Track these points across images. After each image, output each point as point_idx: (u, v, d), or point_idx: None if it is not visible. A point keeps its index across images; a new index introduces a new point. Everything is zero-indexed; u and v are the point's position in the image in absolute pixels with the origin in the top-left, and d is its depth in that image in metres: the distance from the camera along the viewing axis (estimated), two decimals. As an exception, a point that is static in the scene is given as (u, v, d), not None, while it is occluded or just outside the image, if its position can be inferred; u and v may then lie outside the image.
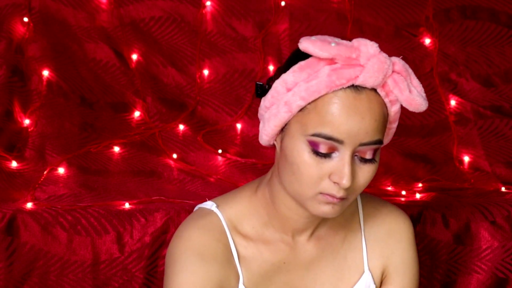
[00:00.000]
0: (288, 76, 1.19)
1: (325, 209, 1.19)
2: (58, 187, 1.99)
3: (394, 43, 2.38)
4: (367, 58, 1.16)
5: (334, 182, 1.16)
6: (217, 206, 1.32)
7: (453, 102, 2.32)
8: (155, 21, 2.35)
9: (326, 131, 1.15)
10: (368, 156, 1.18)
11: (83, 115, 2.21)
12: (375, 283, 1.32)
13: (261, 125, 1.26)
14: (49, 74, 2.24)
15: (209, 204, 1.33)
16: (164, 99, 2.28)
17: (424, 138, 2.28)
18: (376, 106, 1.17)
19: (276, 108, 1.19)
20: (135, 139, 2.18)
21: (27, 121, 2.17)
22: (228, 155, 2.18)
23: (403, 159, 2.21)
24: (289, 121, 1.20)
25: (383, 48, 2.38)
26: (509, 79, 2.37)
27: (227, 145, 2.22)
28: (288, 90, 1.18)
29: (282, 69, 1.24)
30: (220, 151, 2.18)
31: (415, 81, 1.20)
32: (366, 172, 1.19)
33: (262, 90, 1.25)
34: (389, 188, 2.08)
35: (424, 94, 1.19)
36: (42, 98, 2.21)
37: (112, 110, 2.25)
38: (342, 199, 1.18)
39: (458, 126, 2.28)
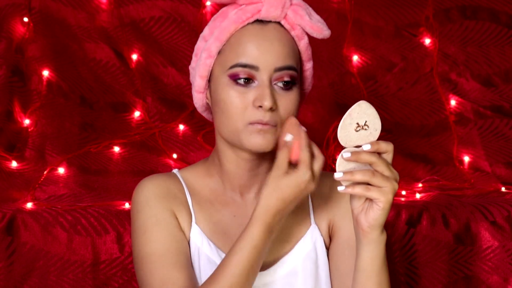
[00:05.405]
0: (204, 31, 1.36)
1: (258, 140, 1.29)
2: (58, 187, 1.99)
3: (394, 43, 2.38)
4: None
5: (259, 107, 1.28)
6: (177, 172, 1.44)
7: (453, 102, 2.32)
8: (155, 21, 2.35)
9: (241, 60, 1.29)
10: (286, 78, 1.30)
11: (83, 115, 2.21)
12: (322, 236, 1.40)
13: (192, 91, 1.38)
14: (49, 74, 2.24)
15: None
16: (164, 99, 2.28)
17: (424, 138, 2.28)
18: (283, 35, 1.32)
19: (199, 59, 1.34)
20: (135, 139, 2.18)
21: (27, 121, 2.17)
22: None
23: (403, 159, 2.21)
24: (212, 69, 1.33)
25: (383, 48, 2.39)
26: (509, 79, 2.37)
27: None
28: (206, 40, 1.34)
29: None
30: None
31: (316, 15, 1.36)
32: (288, 100, 1.30)
33: None
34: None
35: (324, 22, 1.35)
36: (42, 98, 2.21)
37: (112, 110, 2.25)
38: (270, 126, 1.29)
39: (458, 126, 2.28)
